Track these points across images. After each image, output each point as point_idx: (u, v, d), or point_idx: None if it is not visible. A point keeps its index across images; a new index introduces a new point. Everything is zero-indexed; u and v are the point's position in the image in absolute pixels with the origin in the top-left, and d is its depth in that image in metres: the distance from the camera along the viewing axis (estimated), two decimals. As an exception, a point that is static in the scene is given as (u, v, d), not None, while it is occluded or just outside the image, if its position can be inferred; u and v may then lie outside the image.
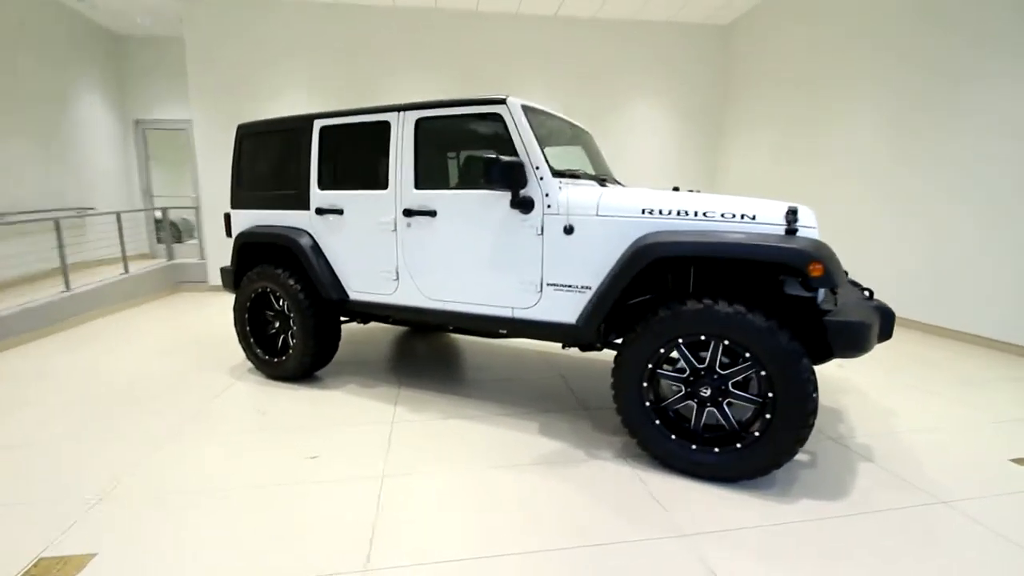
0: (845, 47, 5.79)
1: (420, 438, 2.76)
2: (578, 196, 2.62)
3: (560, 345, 2.93)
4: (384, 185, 3.15)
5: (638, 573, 1.73)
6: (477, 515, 2.07)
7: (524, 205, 2.68)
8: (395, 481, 2.31)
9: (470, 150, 3.23)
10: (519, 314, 2.83)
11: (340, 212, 3.30)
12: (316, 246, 3.41)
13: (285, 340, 3.63)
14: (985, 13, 4.36)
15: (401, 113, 3.08)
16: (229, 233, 3.90)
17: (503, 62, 7.59)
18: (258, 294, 3.64)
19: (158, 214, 8.27)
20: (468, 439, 2.74)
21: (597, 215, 2.57)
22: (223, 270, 3.93)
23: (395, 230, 3.11)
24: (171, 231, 8.95)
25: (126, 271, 6.27)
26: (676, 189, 2.96)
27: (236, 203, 3.81)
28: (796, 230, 2.23)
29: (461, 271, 2.95)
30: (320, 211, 3.37)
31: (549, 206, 2.66)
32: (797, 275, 2.21)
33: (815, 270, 2.04)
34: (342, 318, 3.68)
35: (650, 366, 2.37)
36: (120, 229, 6.26)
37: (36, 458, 2.56)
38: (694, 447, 2.32)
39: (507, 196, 2.74)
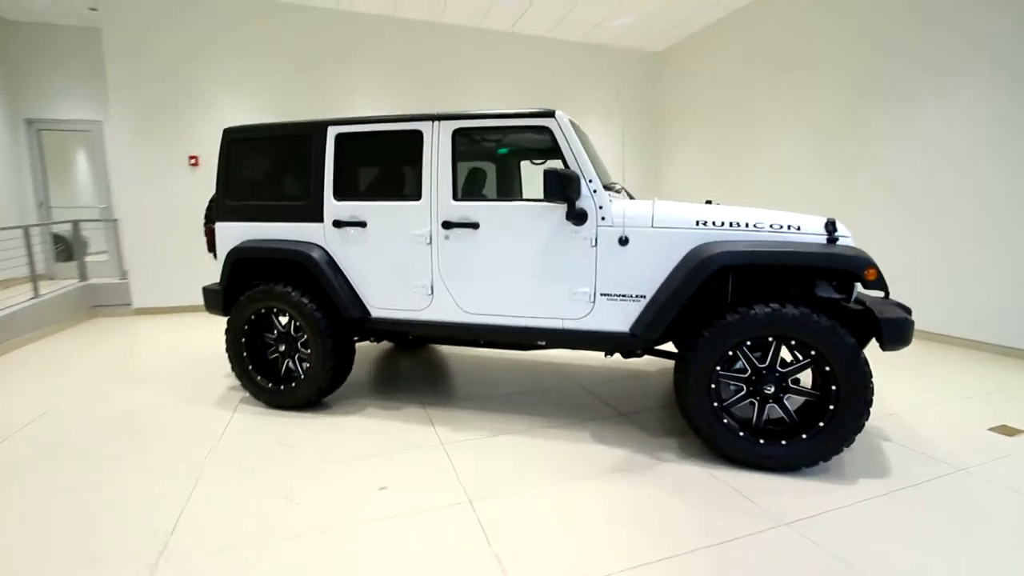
0: (767, 75, 6.52)
1: (481, 458, 2.66)
2: (633, 208, 2.72)
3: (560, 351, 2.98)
4: (416, 196, 3.02)
5: (773, 563, 1.83)
6: (589, 530, 2.05)
7: (579, 217, 2.72)
8: (486, 504, 2.22)
9: (512, 162, 3.21)
10: (569, 325, 2.85)
11: (362, 224, 3.11)
12: (332, 261, 3.17)
13: (286, 364, 3.33)
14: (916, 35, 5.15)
15: (436, 123, 2.98)
16: (213, 249, 3.50)
17: (457, 73, 7.58)
18: (258, 315, 3.30)
19: (60, 228, 7.16)
20: (529, 454, 2.70)
21: (652, 227, 2.68)
22: (207, 290, 3.52)
23: (430, 243, 3.00)
24: (58, 248, 7.79)
25: (36, 295, 5.34)
26: (709, 202, 3.15)
27: (223, 215, 3.44)
28: (837, 239, 2.50)
29: (507, 283, 2.91)
30: (338, 223, 3.14)
31: (603, 218, 2.72)
32: (855, 279, 2.46)
33: (871, 274, 2.30)
34: (355, 338, 3.45)
35: (717, 368, 2.51)
36: (29, 246, 5.33)
37: (53, 523, 2.12)
38: (762, 441, 2.49)
39: (558, 208, 2.76)
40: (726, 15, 7.23)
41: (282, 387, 3.29)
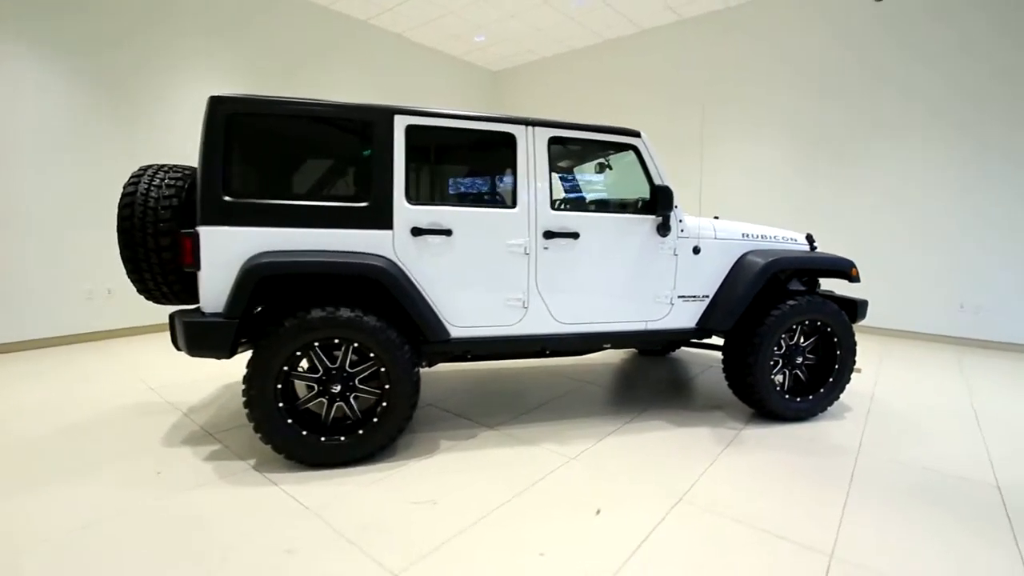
0: (589, 110, 7.91)
1: (622, 460, 2.73)
2: (703, 223, 3.21)
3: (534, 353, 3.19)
4: (511, 203, 2.83)
5: None
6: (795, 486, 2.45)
7: (666, 228, 3.06)
8: (697, 495, 2.38)
9: (593, 173, 3.25)
10: (651, 326, 3.17)
11: (447, 233, 2.72)
12: (406, 275, 2.67)
13: (332, 410, 2.62)
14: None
15: (530, 128, 2.86)
16: (193, 262, 2.47)
17: (306, 56, 6.64)
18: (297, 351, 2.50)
19: None
20: (649, 447, 2.89)
21: (716, 238, 3.24)
22: (194, 323, 2.44)
23: (527, 253, 2.86)
24: None
25: None
26: (716, 218, 3.85)
27: (218, 216, 2.46)
28: (816, 247, 3.53)
29: (604, 292, 3.02)
30: (418, 231, 2.67)
31: (682, 231, 3.14)
32: (845, 277, 3.46)
33: (855, 272, 3.36)
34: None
35: (773, 348, 3.21)
36: None
37: None
38: (790, 397, 3.31)
39: (647, 220, 3.05)
40: (563, 52, 8.33)
41: (343, 437, 2.58)
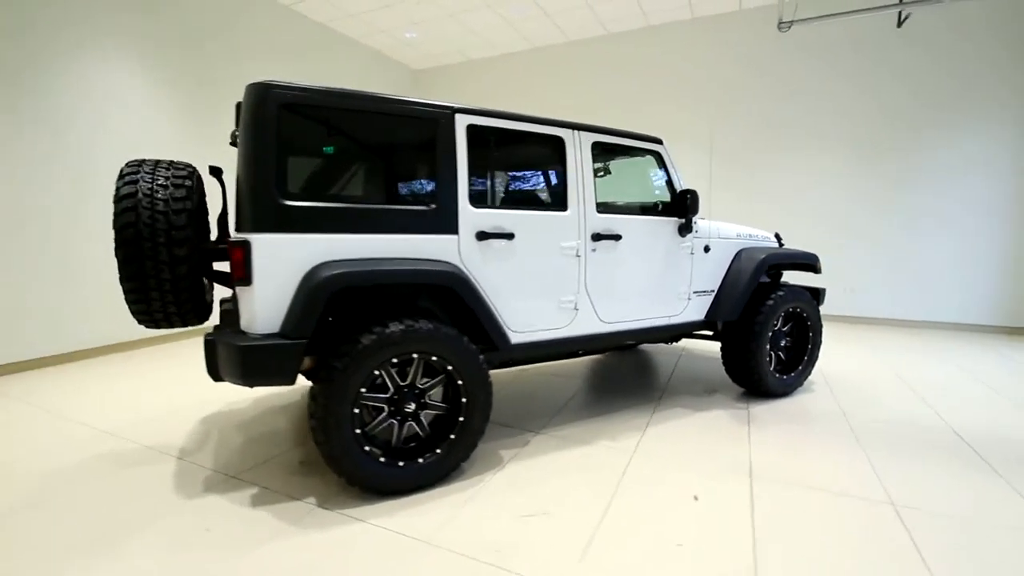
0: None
1: (673, 447, 2.89)
2: (711, 224, 3.52)
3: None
4: (562, 206, 2.85)
5: None
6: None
7: (688, 229, 3.31)
8: (773, 472, 2.62)
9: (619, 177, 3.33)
10: (672, 320, 3.40)
11: (509, 237, 2.66)
12: (476, 282, 2.56)
13: (403, 430, 2.42)
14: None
15: (576, 132, 2.90)
16: (245, 276, 2.12)
17: (235, 45, 5.89)
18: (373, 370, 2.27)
19: None
20: (697, 431, 3.10)
21: (720, 238, 3.57)
22: (256, 348, 2.07)
23: (579, 255, 2.90)
24: None
25: None
26: (702, 219, 4.18)
27: (272, 222, 2.14)
28: (783, 244, 4.06)
29: (640, 291, 3.18)
30: (483, 235, 2.56)
31: (696, 232, 3.41)
32: (813, 270, 3.98)
33: (819, 266, 3.92)
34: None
35: (770, 335, 3.63)
36: None
37: None
38: (781, 375, 3.78)
39: (671, 222, 3.28)
40: (492, 56, 8.39)
41: (420, 459, 2.38)
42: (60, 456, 2.78)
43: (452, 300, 2.55)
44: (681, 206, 3.22)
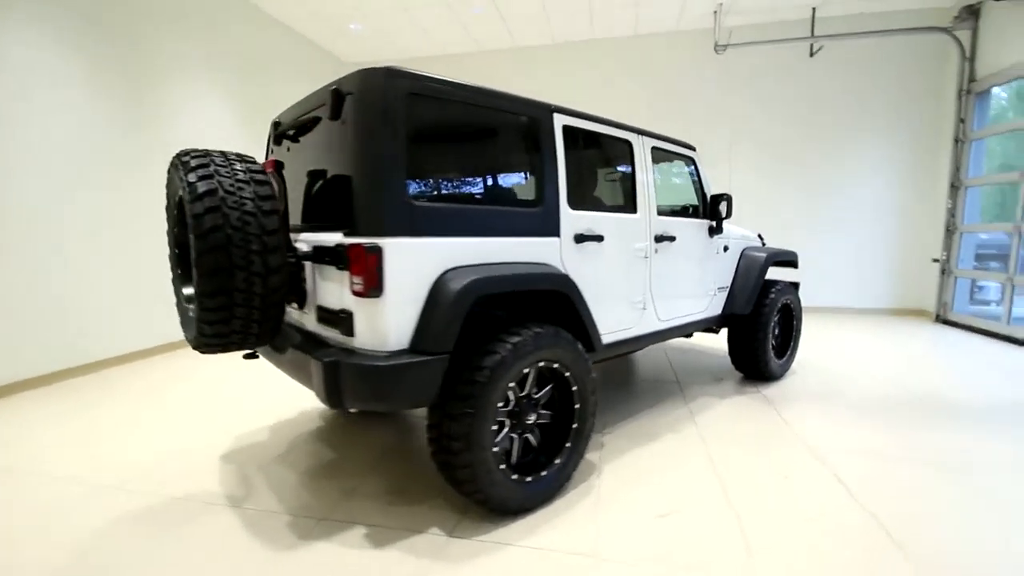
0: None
1: (728, 431, 3.08)
2: (728, 226, 3.79)
3: None
4: (632, 208, 2.90)
5: None
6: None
7: (717, 230, 3.55)
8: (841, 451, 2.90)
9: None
10: (702, 315, 3.63)
11: (600, 239, 2.64)
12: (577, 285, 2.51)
13: (520, 443, 2.29)
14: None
15: (641, 136, 2.97)
16: (376, 287, 1.88)
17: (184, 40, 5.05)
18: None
19: None
20: (742, 418, 3.32)
21: (733, 238, 3.87)
22: (398, 368, 1.82)
23: (647, 257, 2.97)
24: None
25: None
26: None
27: (404, 225, 1.91)
28: (765, 242, 4.52)
29: (686, 289, 3.34)
30: (580, 238, 2.52)
31: (720, 232, 3.67)
32: (794, 267, 4.44)
33: (798, 262, 4.42)
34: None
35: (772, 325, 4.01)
36: None
37: None
38: (780, 359, 4.20)
39: (705, 223, 3.50)
40: (437, 55, 8.16)
41: (543, 472, 2.27)
42: (66, 523, 2.19)
43: (555, 305, 2.47)
44: (715, 209, 3.44)
